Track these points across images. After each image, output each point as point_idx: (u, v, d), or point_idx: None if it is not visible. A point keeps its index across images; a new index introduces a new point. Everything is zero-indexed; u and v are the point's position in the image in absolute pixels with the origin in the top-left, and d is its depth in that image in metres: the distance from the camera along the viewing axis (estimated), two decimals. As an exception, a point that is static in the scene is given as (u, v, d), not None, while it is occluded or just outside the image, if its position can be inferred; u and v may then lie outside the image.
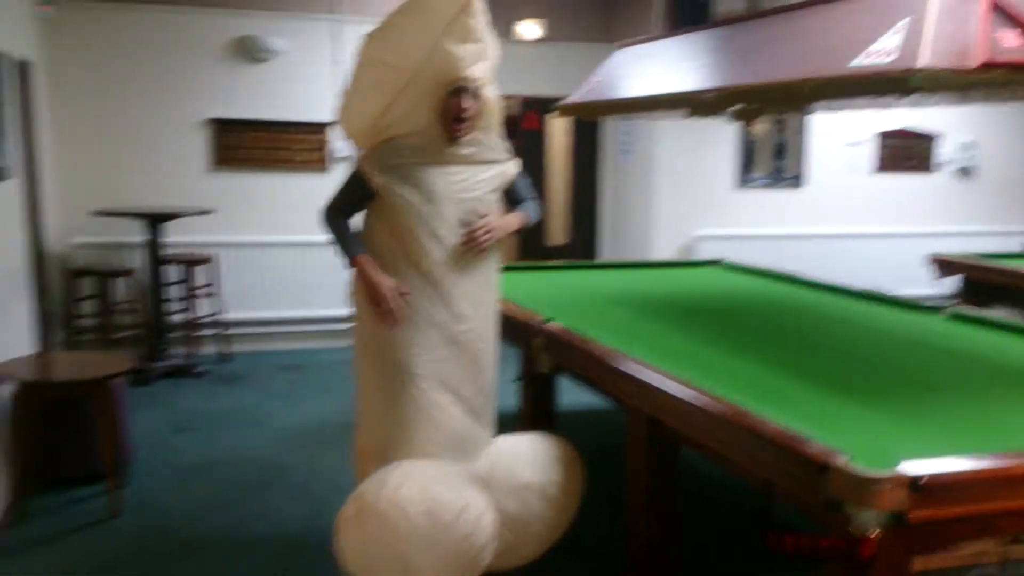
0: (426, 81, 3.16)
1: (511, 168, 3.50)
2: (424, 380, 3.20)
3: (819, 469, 2.13)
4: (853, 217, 8.54)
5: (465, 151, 3.29)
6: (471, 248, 3.27)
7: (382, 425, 3.23)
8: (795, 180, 8.31)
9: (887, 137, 8.53)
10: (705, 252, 7.59)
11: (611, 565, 3.63)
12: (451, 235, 3.24)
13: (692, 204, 8.08)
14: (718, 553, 3.88)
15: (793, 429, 2.36)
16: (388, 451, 3.20)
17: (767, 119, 8.12)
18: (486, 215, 3.31)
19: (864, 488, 2.03)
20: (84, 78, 6.64)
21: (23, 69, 5.45)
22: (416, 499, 2.91)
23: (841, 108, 3.99)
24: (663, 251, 7.97)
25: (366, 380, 3.31)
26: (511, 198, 3.54)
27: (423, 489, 2.95)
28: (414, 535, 2.87)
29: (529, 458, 3.36)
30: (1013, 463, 2.18)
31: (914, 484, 2.03)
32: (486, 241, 3.29)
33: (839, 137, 8.40)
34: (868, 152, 8.54)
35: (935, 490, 2.06)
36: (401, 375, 3.19)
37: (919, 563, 2.36)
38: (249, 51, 6.95)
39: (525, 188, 3.61)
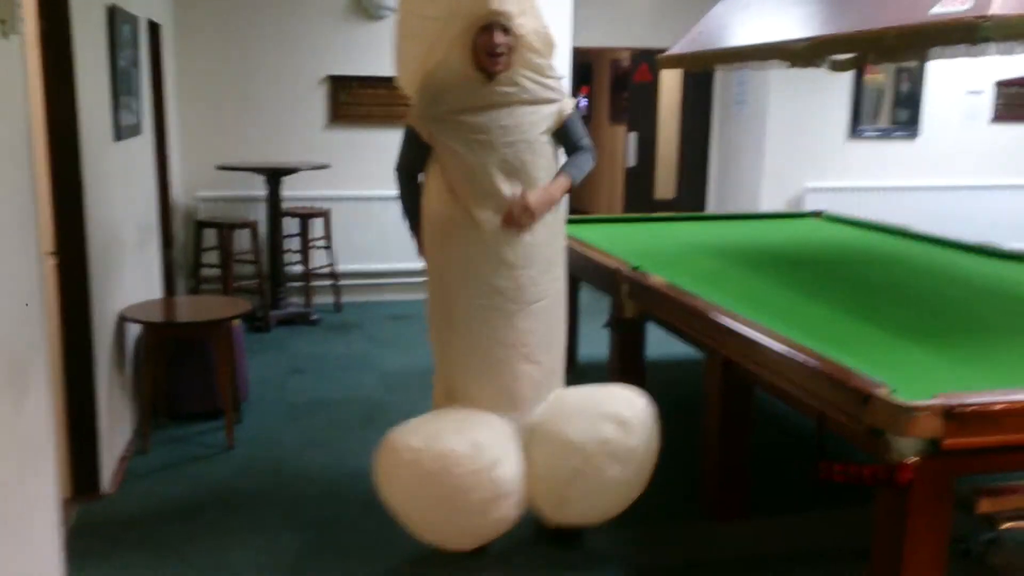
0: (458, 23, 3.14)
1: (566, 107, 3.35)
2: (469, 328, 3.25)
3: (863, 399, 2.28)
4: (969, 168, 8.26)
5: (507, 90, 3.19)
6: (510, 229, 3.20)
7: (443, 370, 3.41)
8: (910, 130, 8.09)
9: (1006, 85, 8.19)
10: (814, 204, 7.47)
11: (683, 504, 3.76)
12: (497, 182, 3.19)
13: (803, 155, 7.97)
14: (783, 486, 4.00)
15: (844, 364, 2.48)
16: (451, 395, 3.37)
17: (885, 68, 7.91)
18: (518, 192, 3.19)
19: (901, 416, 2.17)
20: (208, 38, 6.96)
21: (152, 30, 5.80)
22: (412, 448, 3.06)
23: (938, 56, 3.93)
24: (772, 204, 7.88)
25: (432, 327, 3.45)
26: (563, 142, 3.39)
27: (427, 440, 3.07)
28: (400, 484, 3.10)
29: (582, 416, 3.25)
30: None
31: (948, 413, 2.16)
32: (524, 222, 3.20)
33: (956, 86, 8.12)
34: (986, 101, 8.23)
35: (968, 419, 2.18)
36: (451, 323, 3.30)
37: (985, 505, 2.45)
38: (367, 9, 7.14)
39: (578, 132, 3.40)
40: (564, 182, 3.32)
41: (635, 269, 3.96)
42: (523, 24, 3.15)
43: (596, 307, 5.48)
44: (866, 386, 2.29)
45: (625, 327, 4.14)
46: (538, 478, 3.18)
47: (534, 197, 3.20)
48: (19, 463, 2.65)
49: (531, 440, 3.23)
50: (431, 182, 3.33)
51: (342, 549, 3.45)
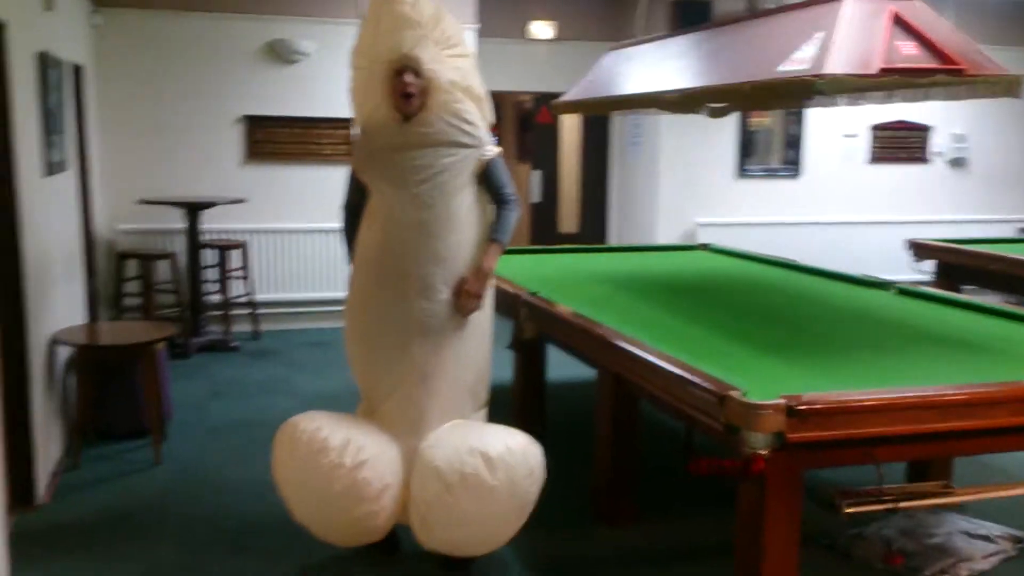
0: (380, 69, 3.47)
1: (486, 153, 3.55)
2: (379, 350, 3.52)
3: (720, 400, 2.66)
4: (848, 206, 8.98)
5: (422, 130, 3.42)
6: (464, 314, 3.50)
7: (362, 390, 3.69)
8: (793, 170, 8.77)
9: (881, 129, 8.96)
10: (706, 238, 8.02)
11: (578, 511, 4.15)
12: (407, 214, 3.43)
13: (694, 193, 8.57)
14: (671, 492, 4.39)
15: (707, 373, 2.89)
16: (369, 415, 3.65)
17: (771, 113, 8.56)
18: (465, 281, 3.47)
19: (751, 413, 2.55)
20: (130, 80, 7.23)
21: (77, 72, 6.05)
22: (298, 430, 3.37)
23: (815, 104, 4.41)
24: (667, 237, 8.44)
25: (349, 348, 3.70)
26: (488, 189, 3.60)
27: (315, 427, 3.36)
28: (280, 460, 3.42)
29: (454, 446, 3.34)
30: (872, 397, 2.69)
31: (790, 410, 2.54)
32: (474, 306, 3.50)
33: (835, 129, 8.84)
34: (863, 143, 8.99)
35: (808, 415, 2.56)
36: (367, 345, 3.58)
37: (848, 507, 2.83)
38: (281, 53, 7.50)
39: (501, 179, 3.60)
40: (495, 250, 3.58)
41: (533, 294, 4.37)
42: (435, 70, 3.45)
43: (500, 331, 5.87)
44: (723, 389, 2.68)
45: (525, 347, 4.56)
46: (410, 499, 3.39)
47: (473, 280, 3.50)
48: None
49: (414, 462, 3.41)
50: (366, 214, 3.62)
51: (264, 551, 3.73)
